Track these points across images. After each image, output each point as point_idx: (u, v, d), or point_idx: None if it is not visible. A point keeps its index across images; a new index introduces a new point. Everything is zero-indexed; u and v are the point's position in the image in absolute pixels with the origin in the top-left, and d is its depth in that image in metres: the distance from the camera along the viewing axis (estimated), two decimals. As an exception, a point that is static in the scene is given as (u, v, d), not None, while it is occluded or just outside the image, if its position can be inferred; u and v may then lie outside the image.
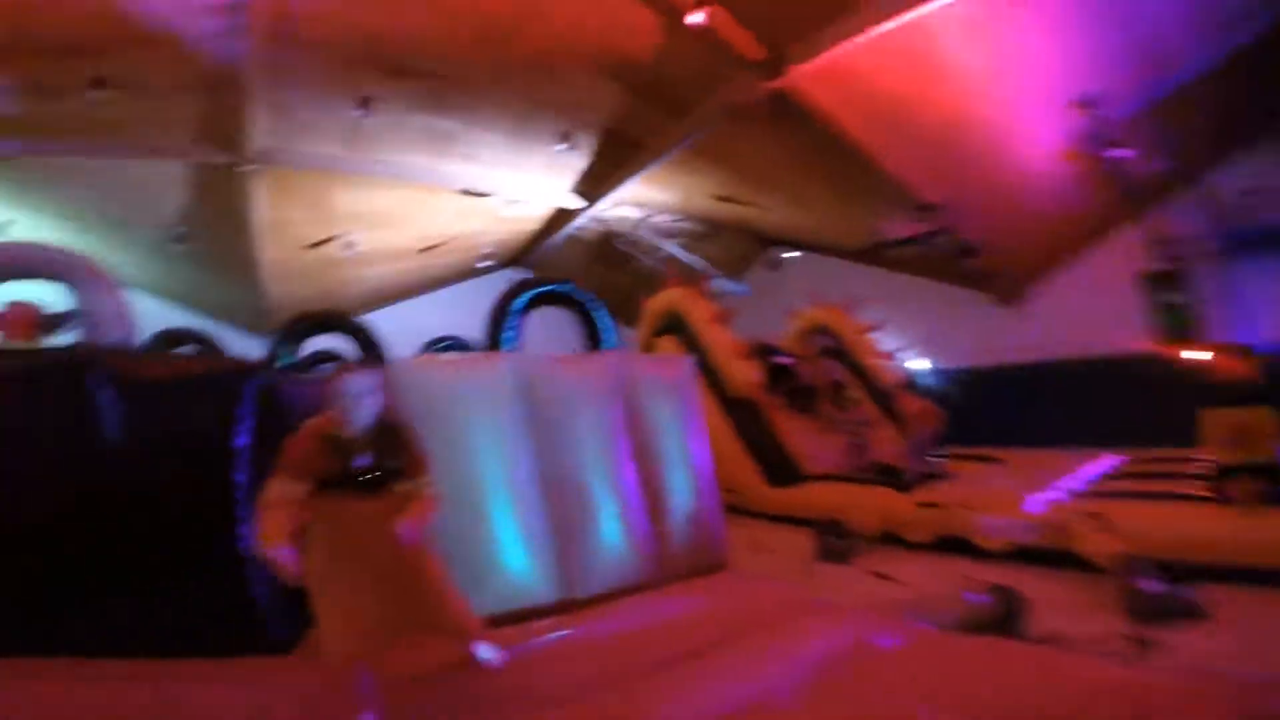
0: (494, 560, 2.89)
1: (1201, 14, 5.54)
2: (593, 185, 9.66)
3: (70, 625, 2.38)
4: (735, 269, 12.32)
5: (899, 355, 8.38)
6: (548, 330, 6.27)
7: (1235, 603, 3.10)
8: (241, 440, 2.49)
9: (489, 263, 11.46)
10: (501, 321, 4.84)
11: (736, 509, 5.47)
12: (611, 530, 3.28)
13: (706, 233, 11.43)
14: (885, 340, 8.29)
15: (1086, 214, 7.98)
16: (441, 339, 9.90)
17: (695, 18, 5.74)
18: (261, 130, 6.88)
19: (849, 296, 8.49)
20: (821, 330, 8.26)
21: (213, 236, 9.00)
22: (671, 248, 11.23)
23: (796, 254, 11.42)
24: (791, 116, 7.17)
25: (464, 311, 9.10)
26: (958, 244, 8.32)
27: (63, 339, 3.04)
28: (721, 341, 6.90)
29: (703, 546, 3.63)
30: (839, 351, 8.00)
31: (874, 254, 10.24)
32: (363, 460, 1.96)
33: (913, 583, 3.84)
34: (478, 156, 8.51)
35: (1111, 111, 6.20)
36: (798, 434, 6.66)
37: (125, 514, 2.38)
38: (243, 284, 10.07)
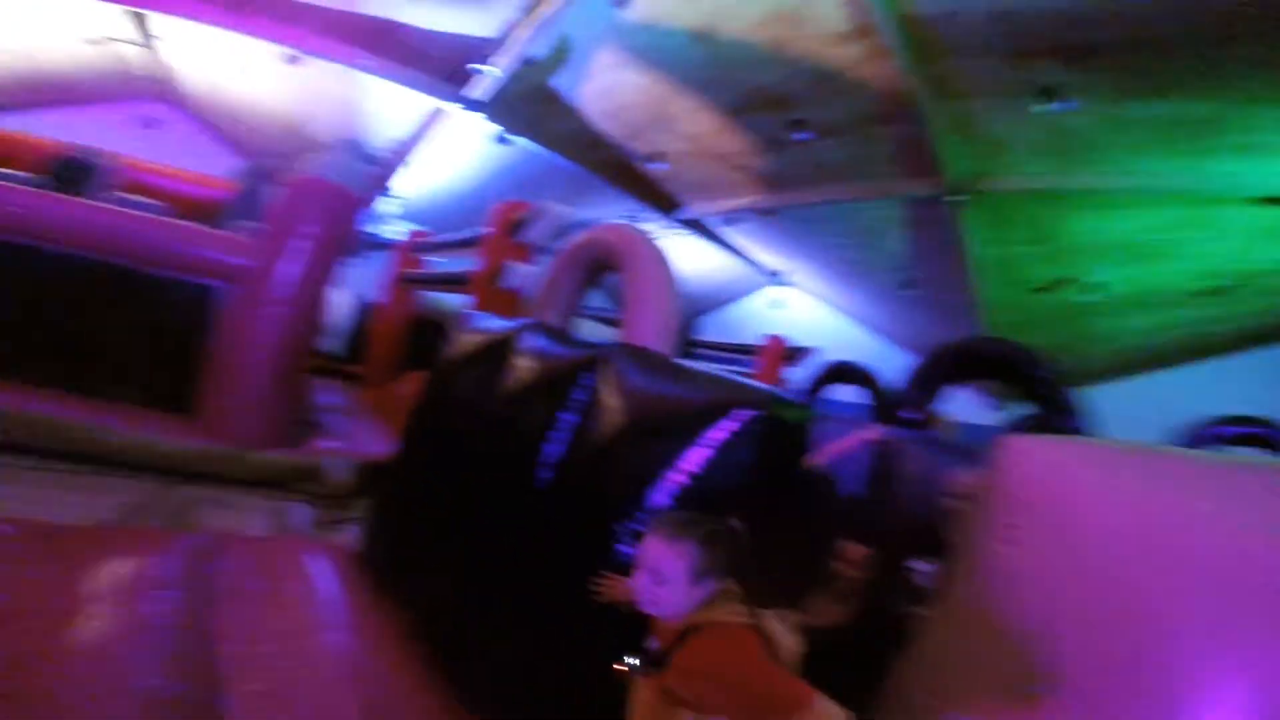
0: None
1: None
2: None
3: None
4: None
5: None
6: None
7: None
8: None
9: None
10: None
11: None
12: None
13: None
14: None
15: None
16: (1233, 420, 6.75)
17: None
18: (955, 154, 6.30)
19: None
20: None
21: (932, 277, 9.00)
22: None
23: None
24: None
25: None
26: None
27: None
28: None
29: None
30: None
31: None
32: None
33: None
34: (1261, 144, 5.32)
35: None
36: None
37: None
38: (965, 330, 9.71)
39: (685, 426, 1.39)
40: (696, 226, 10.20)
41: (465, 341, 2.37)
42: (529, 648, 1.44)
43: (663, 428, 1.43)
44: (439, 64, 7.30)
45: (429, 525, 1.99)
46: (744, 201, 8.93)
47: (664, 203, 9.67)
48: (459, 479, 1.93)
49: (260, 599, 1.80)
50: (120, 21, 8.52)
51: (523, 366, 1.95)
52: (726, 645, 1.07)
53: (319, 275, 4.37)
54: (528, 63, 6.80)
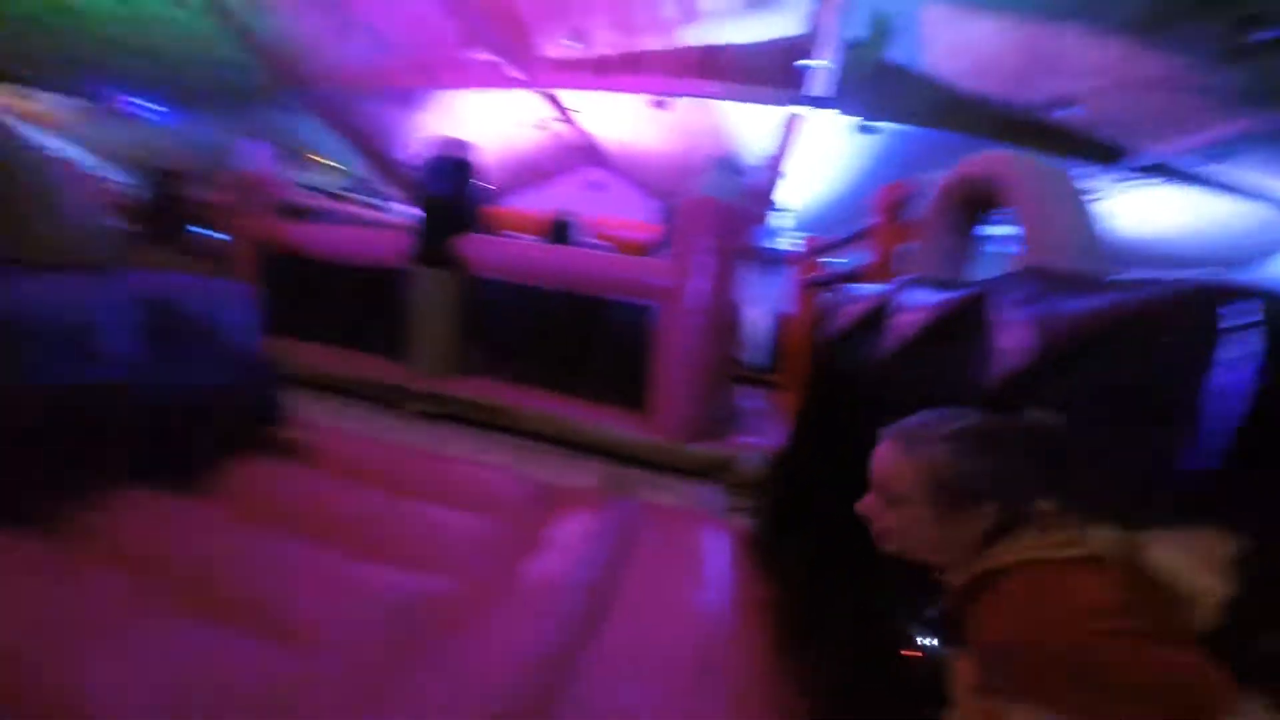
0: None
1: None
2: None
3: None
4: None
5: None
6: None
7: None
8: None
9: None
10: None
11: None
12: None
13: None
14: None
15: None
16: None
17: None
18: None
19: None
20: None
21: None
22: None
23: None
24: None
25: None
26: None
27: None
28: None
29: None
30: None
31: None
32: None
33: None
34: None
35: None
36: None
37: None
38: None
39: (1118, 342, 0.99)
40: (1164, 172, 7.71)
41: (841, 316, 2.27)
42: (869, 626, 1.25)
43: (1085, 349, 1.06)
44: (772, 73, 7.45)
45: (801, 500, 1.96)
46: (1230, 129, 6.38)
47: (1099, 152, 7.62)
48: (835, 450, 1.84)
49: (660, 557, 2.04)
50: (547, 106, 11.20)
51: (902, 323, 1.75)
52: (1042, 596, 0.69)
53: (723, 284, 4.83)
54: (852, 46, 6.34)
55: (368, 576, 1.77)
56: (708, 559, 2.09)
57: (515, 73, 9.64)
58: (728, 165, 4.82)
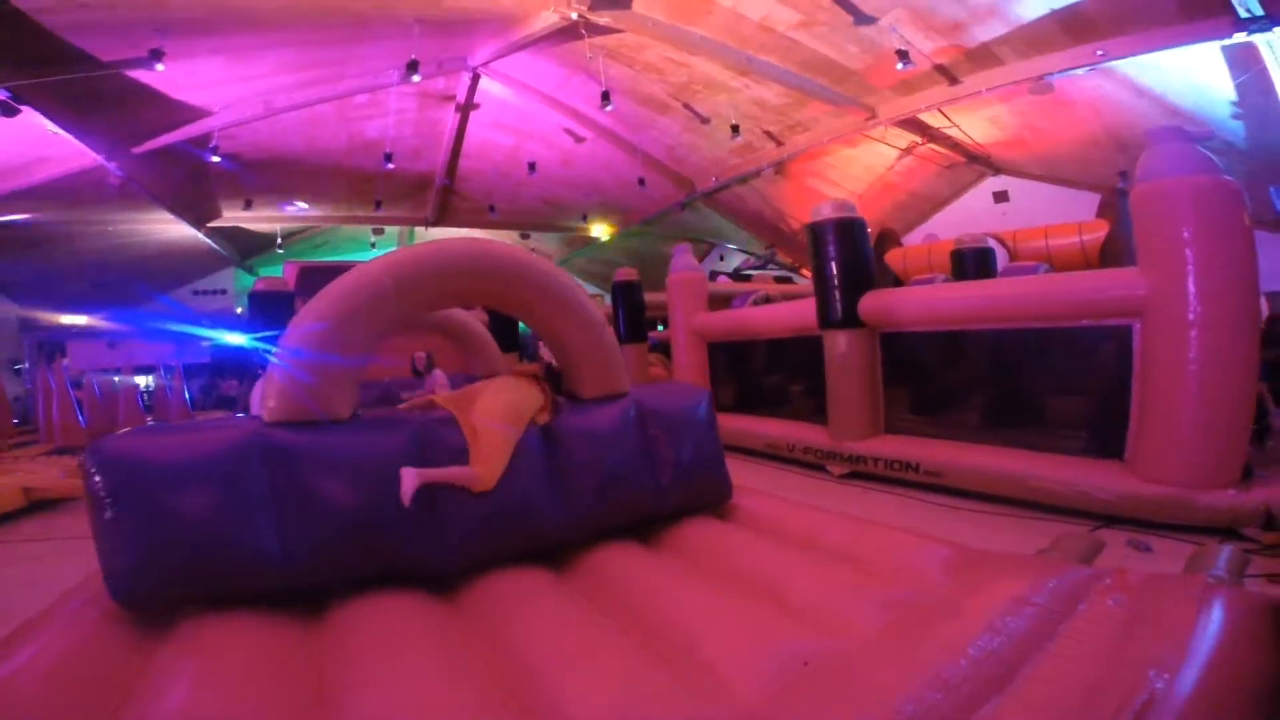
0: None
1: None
2: None
3: None
4: None
5: None
6: None
7: None
8: None
9: None
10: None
11: None
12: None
13: None
14: None
15: None
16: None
17: None
18: None
19: None
20: None
21: None
22: None
23: None
24: None
25: None
26: None
27: None
28: None
29: None
30: None
31: None
32: None
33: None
34: None
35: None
36: None
37: None
38: None
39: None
40: None
41: None
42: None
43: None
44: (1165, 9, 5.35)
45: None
46: None
47: None
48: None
49: (1111, 629, 1.64)
50: (913, 135, 10.57)
51: None
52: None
53: (1229, 279, 3.60)
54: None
55: (773, 629, 1.95)
56: (1190, 634, 1.58)
57: (863, 115, 9.54)
58: (1173, 133, 3.66)
